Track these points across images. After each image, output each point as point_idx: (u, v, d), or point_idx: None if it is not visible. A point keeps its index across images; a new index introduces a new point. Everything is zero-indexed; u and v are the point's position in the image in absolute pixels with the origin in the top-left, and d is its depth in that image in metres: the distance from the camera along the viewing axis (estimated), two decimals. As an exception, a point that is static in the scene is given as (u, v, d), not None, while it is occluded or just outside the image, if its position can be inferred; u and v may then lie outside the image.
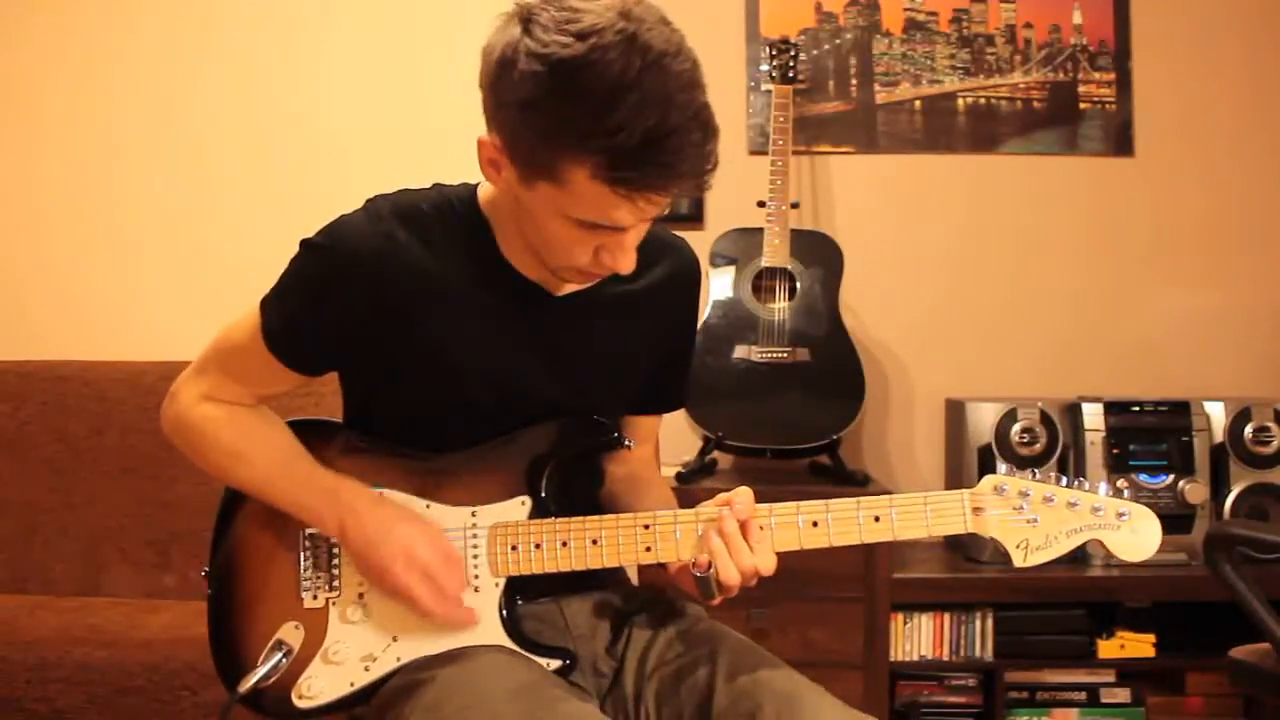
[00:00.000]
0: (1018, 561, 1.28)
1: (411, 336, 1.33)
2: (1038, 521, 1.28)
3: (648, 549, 1.31)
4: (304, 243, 1.34)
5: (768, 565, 1.28)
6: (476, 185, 1.38)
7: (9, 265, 3.09)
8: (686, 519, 1.31)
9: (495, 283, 1.34)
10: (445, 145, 2.98)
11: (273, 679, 1.32)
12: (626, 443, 1.40)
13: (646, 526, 1.31)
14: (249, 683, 1.30)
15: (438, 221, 1.34)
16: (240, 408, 1.41)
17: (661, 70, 1.12)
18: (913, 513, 1.29)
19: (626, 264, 1.25)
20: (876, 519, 1.28)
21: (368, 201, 1.34)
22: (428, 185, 1.39)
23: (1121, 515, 1.27)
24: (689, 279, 1.50)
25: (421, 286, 1.31)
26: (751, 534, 1.28)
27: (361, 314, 1.32)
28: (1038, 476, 1.30)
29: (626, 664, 1.39)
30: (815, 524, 1.29)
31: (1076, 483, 1.29)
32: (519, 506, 1.35)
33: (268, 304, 1.36)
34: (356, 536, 1.32)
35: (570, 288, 1.37)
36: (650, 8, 1.17)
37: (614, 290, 1.39)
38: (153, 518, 2.65)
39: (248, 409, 1.42)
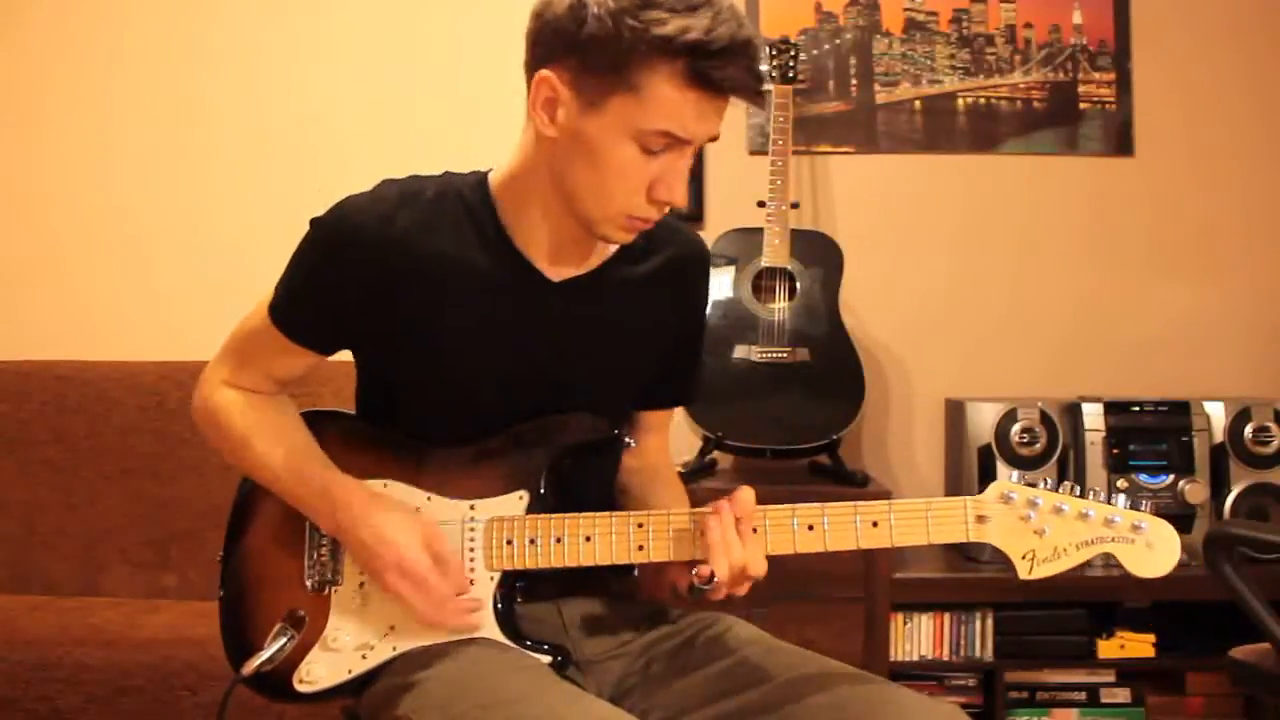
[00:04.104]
0: (1022, 573, 1.22)
1: (406, 320, 1.35)
2: (1046, 532, 1.22)
3: (640, 548, 1.31)
4: (312, 220, 1.37)
5: (757, 566, 1.27)
6: (488, 171, 1.39)
7: (9, 265, 3.09)
8: (680, 518, 1.31)
9: (496, 267, 1.34)
10: (448, 142, 3.00)
11: (277, 662, 1.34)
12: (627, 440, 1.40)
13: (640, 525, 1.31)
14: (253, 664, 1.33)
15: (440, 206, 1.35)
16: (257, 395, 1.44)
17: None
18: (913, 519, 1.25)
19: (682, 193, 1.27)
20: (875, 524, 1.25)
21: (379, 183, 1.37)
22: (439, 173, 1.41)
23: (1138, 528, 1.21)
24: (695, 265, 1.49)
25: (416, 270, 1.33)
26: (744, 533, 1.27)
27: (358, 293, 1.34)
28: (1048, 485, 1.24)
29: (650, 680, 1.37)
30: (811, 528, 1.27)
31: (1091, 493, 1.23)
32: (516, 501, 1.35)
33: (278, 282, 1.40)
34: (351, 539, 1.33)
35: (570, 272, 1.37)
36: None
37: (616, 275, 1.39)
38: (152, 518, 2.65)
39: (265, 397, 1.44)
